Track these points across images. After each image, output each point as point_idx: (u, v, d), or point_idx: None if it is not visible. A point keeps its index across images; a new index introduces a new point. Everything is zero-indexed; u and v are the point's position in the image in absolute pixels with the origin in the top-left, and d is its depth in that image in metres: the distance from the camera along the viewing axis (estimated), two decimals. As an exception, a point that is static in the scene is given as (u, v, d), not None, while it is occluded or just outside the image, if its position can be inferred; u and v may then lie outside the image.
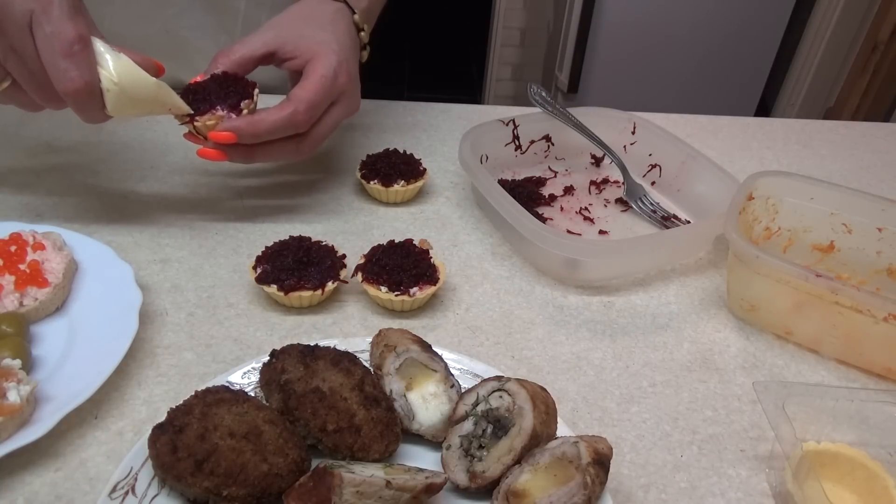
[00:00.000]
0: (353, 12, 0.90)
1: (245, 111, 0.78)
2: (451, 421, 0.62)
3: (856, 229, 0.85)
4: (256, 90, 0.80)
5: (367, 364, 0.66)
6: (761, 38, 2.71)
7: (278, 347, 0.65)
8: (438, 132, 1.15)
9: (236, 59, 0.82)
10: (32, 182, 0.94)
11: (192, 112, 0.77)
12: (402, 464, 0.61)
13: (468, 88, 3.70)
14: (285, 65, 0.85)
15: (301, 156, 0.84)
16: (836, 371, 0.78)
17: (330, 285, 0.77)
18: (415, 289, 0.76)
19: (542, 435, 0.59)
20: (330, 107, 0.83)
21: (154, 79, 0.73)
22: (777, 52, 2.77)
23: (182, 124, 0.79)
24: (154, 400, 0.67)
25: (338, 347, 0.65)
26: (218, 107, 0.77)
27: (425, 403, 0.63)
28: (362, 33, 0.91)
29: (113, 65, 0.70)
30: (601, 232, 0.97)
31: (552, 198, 1.01)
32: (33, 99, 0.72)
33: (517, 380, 0.62)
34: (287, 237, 0.81)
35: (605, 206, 1.02)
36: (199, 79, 0.80)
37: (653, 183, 1.06)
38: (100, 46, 0.70)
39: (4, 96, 0.73)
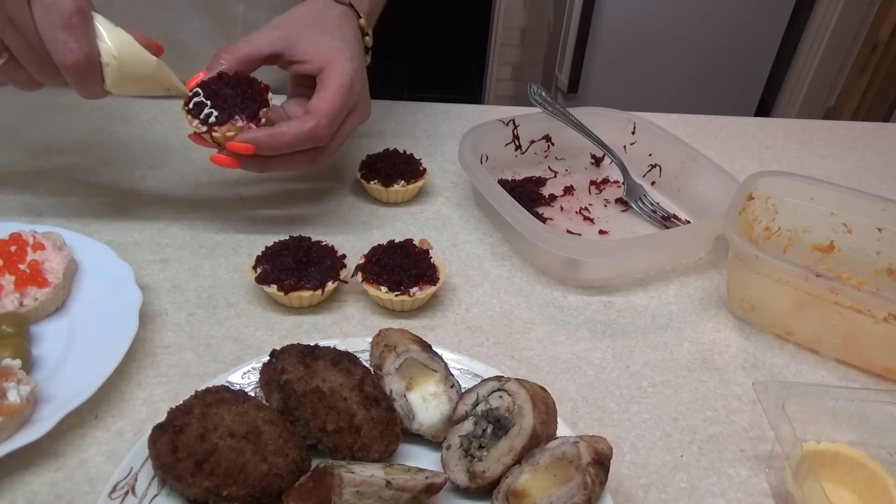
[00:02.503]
0: (359, 16, 0.89)
1: (263, 120, 0.77)
2: (451, 421, 0.62)
3: (856, 229, 0.85)
4: (270, 95, 0.78)
5: (367, 364, 0.66)
6: (761, 38, 2.71)
7: (278, 347, 0.65)
8: (438, 132, 1.15)
9: (241, 56, 0.80)
10: (32, 182, 0.94)
11: (189, 94, 0.76)
12: (402, 464, 0.61)
13: (468, 88, 3.70)
14: (293, 67, 0.83)
15: (316, 167, 0.83)
16: (836, 371, 0.78)
17: (330, 285, 0.77)
18: (415, 289, 0.76)
19: (542, 435, 0.59)
20: (346, 116, 0.82)
21: (154, 57, 0.72)
22: (777, 52, 2.77)
23: (200, 134, 0.77)
24: (154, 400, 0.67)
25: (338, 347, 0.65)
26: (237, 117, 0.75)
27: (425, 403, 0.63)
28: (367, 38, 0.90)
29: (113, 39, 0.69)
30: (601, 232, 0.97)
31: (552, 198, 1.01)
32: (31, 75, 0.71)
33: (517, 380, 0.62)
34: (287, 237, 0.81)
35: (605, 206, 1.02)
36: (201, 76, 0.78)
37: (653, 183, 1.06)
38: (99, 20, 0.69)
39: (1, 74, 0.71)
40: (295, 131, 0.76)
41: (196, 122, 0.76)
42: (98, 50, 0.69)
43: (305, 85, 0.83)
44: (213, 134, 0.76)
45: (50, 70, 0.69)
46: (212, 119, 0.75)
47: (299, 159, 0.81)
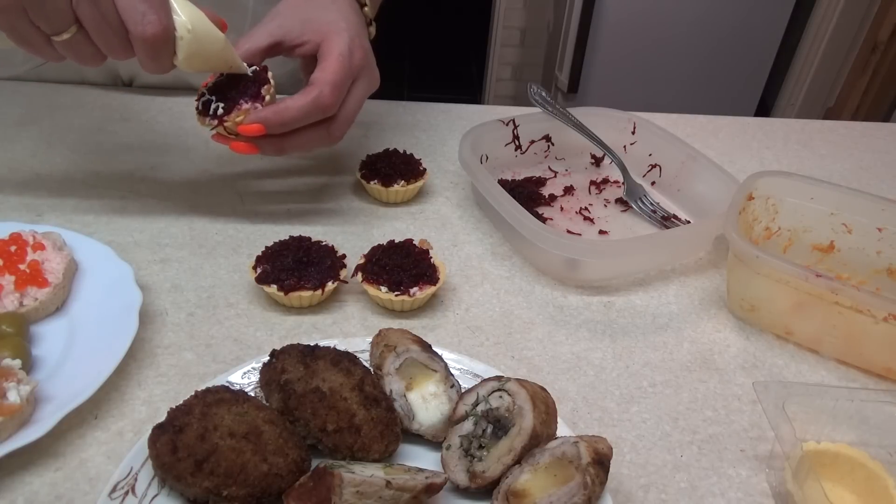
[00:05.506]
0: None
1: (267, 97, 0.77)
2: (451, 421, 0.62)
3: (856, 229, 0.85)
4: (270, 73, 0.79)
5: (367, 364, 0.66)
6: (761, 38, 2.71)
7: (278, 347, 0.65)
8: (438, 132, 1.15)
9: (241, 53, 0.80)
10: (32, 182, 0.94)
11: (249, 73, 0.78)
12: (402, 464, 0.61)
13: (468, 88, 3.70)
14: (296, 52, 0.84)
15: (332, 140, 0.83)
16: (836, 371, 0.78)
17: (330, 285, 0.77)
18: (415, 289, 0.76)
19: (542, 435, 0.59)
20: (352, 86, 0.83)
21: (221, 34, 0.72)
22: (777, 52, 2.77)
23: (215, 129, 0.78)
24: (154, 400, 0.67)
25: (338, 347, 0.65)
26: (241, 101, 0.77)
27: (425, 403, 0.63)
28: (366, 9, 0.90)
29: (186, 12, 0.69)
30: (601, 232, 0.97)
31: (552, 198, 1.01)
32: (97, 49, 0.69)
33: (517, 380, 0.62)
34: (287, 237, 0.81)
35: (605, 206, 1.02)
36: (209, 81, 0.80)
37: (653, 183, 1.06)
38: None
39: (65, 47, 0.68)
40: (300, 103, 0.77)
41: (207, 118, 0.78)
42: (174, 23, 0.68)
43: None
44: (225, 124, 0.77)
45: (120, 43, 0.68)
46: (219, 111, 0.77)
47: (314, 134, 0.81)
